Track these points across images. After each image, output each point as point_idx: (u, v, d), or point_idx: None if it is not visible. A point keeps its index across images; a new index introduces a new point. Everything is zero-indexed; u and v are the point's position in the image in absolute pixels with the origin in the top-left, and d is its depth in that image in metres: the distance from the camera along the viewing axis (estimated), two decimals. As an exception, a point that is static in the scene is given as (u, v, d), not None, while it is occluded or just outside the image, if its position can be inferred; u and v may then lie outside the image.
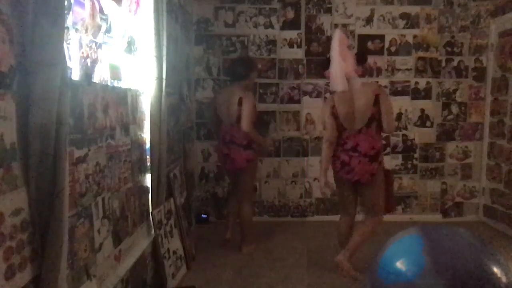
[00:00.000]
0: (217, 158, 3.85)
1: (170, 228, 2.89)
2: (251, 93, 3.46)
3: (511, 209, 3.88)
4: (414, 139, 4.39)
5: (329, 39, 4.27)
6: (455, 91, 4.36)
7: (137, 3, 2.42)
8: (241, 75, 3.42)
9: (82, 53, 1.67)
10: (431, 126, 4.39)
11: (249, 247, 3.54)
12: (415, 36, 4.30)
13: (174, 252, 2.88)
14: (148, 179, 2.61)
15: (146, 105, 2.58)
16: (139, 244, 2.39)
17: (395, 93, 4.34)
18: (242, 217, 3.50)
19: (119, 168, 2.08)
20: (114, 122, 2.03)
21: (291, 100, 4.35)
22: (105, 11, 1.89)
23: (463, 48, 4.32)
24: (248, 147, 3.34)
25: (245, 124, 3.25)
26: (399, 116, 4.36)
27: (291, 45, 4.30)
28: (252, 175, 3.52)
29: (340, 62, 2.71)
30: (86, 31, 1.71)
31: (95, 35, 1.79)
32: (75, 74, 1.62)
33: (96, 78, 1.81)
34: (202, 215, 4.28)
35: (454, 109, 4.38)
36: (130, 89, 2.29)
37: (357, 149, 2.77)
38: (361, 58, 3.00)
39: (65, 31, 1.32)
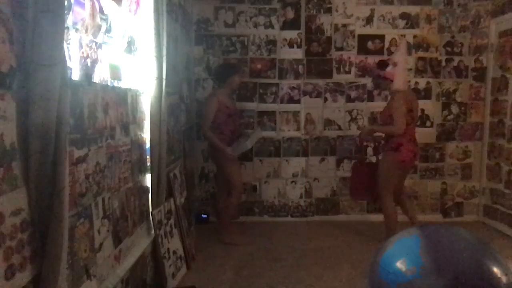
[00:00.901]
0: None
1: (170, 228, 2.89)
2: (214, 97, 3.64)
3: (511, 209, 3.88)
4: (414, 139, 4.39)
5: (329, 39, 4.29)
6: (455, 91, 4.36)
7: (137, 3, 2.42)
8: (221, 79, 3.72)
9: (82, 53, 1.67)
10: (431, 126, 4.40)
11: (229, 237, 3.70)
12: (415, 36, 4.30)
13: (174, 252, 2.88)
14: (148, 179, 2.61)
15: (146, 105, 2.58)
16: (139, 244, 2.39)
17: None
18: (221, 207, 3.79)
19: (119, 168, 2.08)
20: (114, 122, 2.03)
21: (291, 100, 4.35)
22: (105, 11, 1.89)
23: (463, 48, 4.32)
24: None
25: (202, 124, 3.65)
26: (399, 116, 4.36)
27: (291, 45, 4.30)
28: (225, 167, 3.68)
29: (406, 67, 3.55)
30: (86, 31, 1.71)
31: (95, 35, 1.79)
32: (75, 74, 1.62)
33: (96, 78, 1.81)
34: (202, 215, 4.28)
35: (454, 109, 4.38)
36: (130, 89, 2.29)
37: (416, 140, 3.49)
38: None
39: (65, 31, 1.32)
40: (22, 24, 1.20)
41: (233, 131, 3.74)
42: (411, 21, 4.29)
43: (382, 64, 3.44)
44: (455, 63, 4.33)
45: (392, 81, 3.36)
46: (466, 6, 4.27)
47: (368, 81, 4.24)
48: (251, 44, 4.28)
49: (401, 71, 3.36)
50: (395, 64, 3.34)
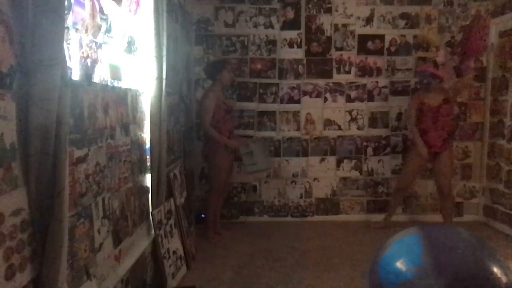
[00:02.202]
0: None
1: (170, 228, 2.89)
2: (211, 92, 3.64)
3: (511, 209, 3.88)
4: (414, 139, 4.38)
5: (329, 39, 4.29)
6: (455, 91, 4.36)
7: (137, 3, 2.42)
8: (211, 76, 3.75)
9: (82, 53, 1.67)
10: (431, 126, 4.38)
11: (209, 236, 3.77)
12: (415, 36, 4.30)
13: (174, 252, 2.88)
14: (148, 179, 2.61)
15: (146, 105, 2.58)
16: (139, 244, 2.39)
17: (395, 93, 4.35)
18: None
19: (119, 168, 2.08)
20: (114, 122, 2.03)
21: (291, 100, 4.35)
22: (105, 11, 1.89)
23: (463, 48, 4.31)
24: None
25: (202, 121, 3.63)
26: (399, 116, 4.37)
27: (291, 45, 4.30)
28: (212, 167, 3.73)
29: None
30: (86, 31, 1.71)
31: (95, 35, 1.79)
32: (75, 74, 1.62)
33: (96, 78, 1.81)
34: (202, 215, 4.27)
35: (454, 109, 4.37)
36: (130, 89, 2.29)
37: None
38: None
39: (65, 31, 1.32)
40: (22, 24, 1.20)
41: (230, 131, 3.74)
42: (411, 21, 4.29)
43: (437, 64, 3.74)
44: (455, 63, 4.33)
45: (442, 79, 3.73)
46: (466, 6, 4.27)
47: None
48: (251, 44, 4.28)
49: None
50: (442, 65, 3.76)
